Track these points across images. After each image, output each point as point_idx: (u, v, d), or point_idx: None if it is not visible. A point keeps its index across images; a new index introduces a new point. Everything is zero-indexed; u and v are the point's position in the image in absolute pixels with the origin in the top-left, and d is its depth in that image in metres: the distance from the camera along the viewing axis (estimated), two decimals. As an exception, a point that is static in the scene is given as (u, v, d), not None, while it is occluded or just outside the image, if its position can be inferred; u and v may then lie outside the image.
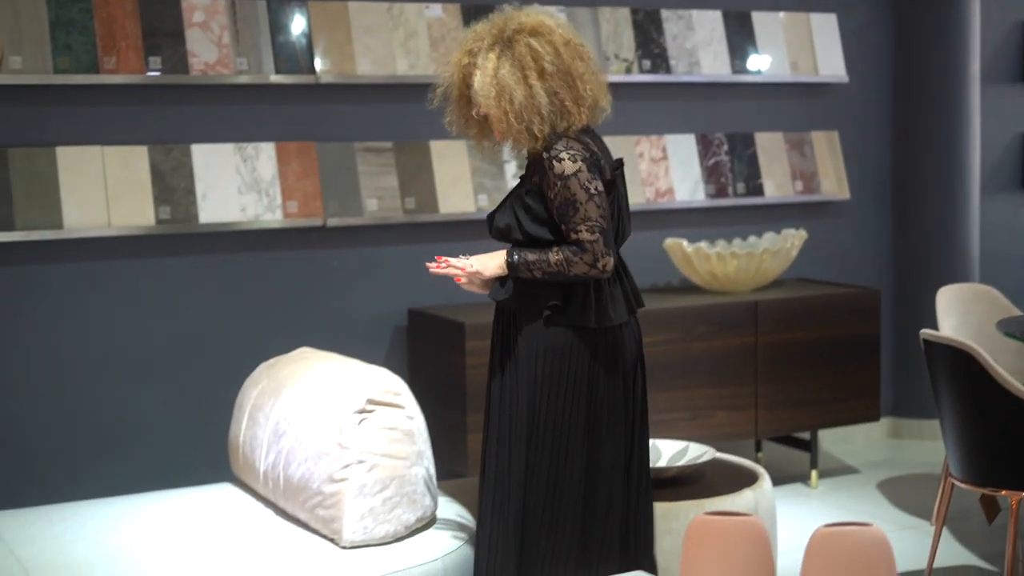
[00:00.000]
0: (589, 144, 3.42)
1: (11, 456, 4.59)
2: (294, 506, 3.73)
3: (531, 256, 3.37)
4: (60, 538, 3.63)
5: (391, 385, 3.69)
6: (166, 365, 4.82)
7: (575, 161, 3.33)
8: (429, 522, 3.74)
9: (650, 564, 3.50)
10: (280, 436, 3.80)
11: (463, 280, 3.49)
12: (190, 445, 4.83)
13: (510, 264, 3.40)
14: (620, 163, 3.56)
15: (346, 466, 3.56)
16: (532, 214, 3.41)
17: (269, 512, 3.87)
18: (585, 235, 3.32)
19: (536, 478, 3.44)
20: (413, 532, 3.67)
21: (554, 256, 3.35)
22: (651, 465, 4.15)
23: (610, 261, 3.36)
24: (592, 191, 3.34)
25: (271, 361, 4.21)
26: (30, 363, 4.62)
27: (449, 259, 3.49)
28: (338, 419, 3.61)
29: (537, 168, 3.39)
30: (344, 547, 3.55)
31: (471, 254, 3.49)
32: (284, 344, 4.53)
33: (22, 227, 4.53)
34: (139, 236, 4.75)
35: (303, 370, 3.96)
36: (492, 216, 3.53)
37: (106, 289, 4.73)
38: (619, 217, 3.51)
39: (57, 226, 4.58)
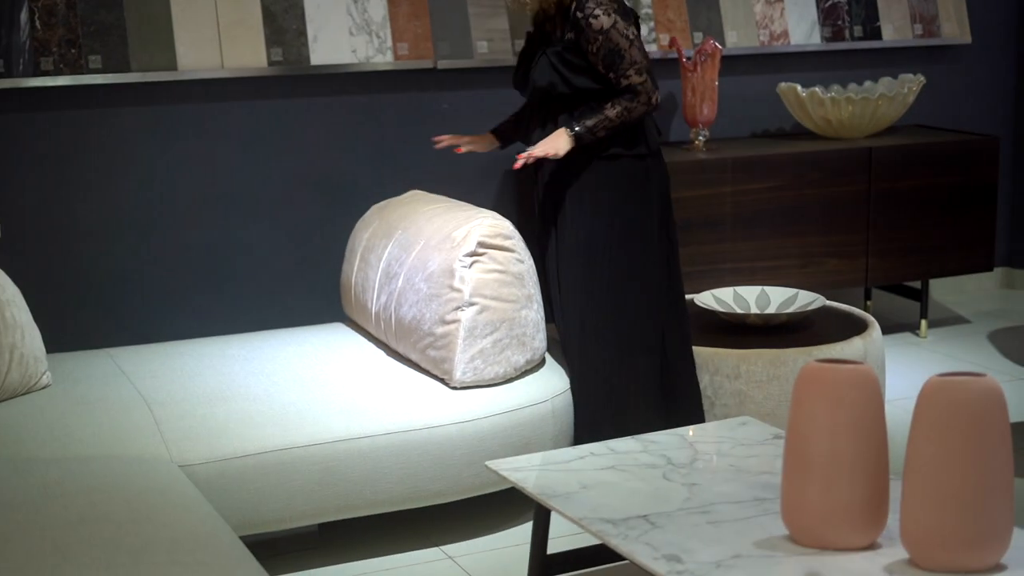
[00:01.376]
0: None
1: (131, 295, 4.70)
2: (405, 347, 3.79)
3: (590, 121, 3.64)
4: (179, 373, 3.74)
5: (501, 228, 3.71)
6: (277, 206, 4.87)
7: (609, 15, 3.59)
8: (538, 364, 3.79)
9: (699, 418, 3.78)
10: (391, 278, 3.85)
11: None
12: (302, 286, 4.91)
13: (576, 136, 3.65)
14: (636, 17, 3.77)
15: (457, 308, 3.60)
16: (575, 68, 3.65)
17: (380, 352, 3.94)
18: (635, 78, 3.63)
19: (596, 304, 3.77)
20: (522, 374, 3.72)
21: (611, 111, 3.64)
22: (761, 311, 4.17)
23: (658, 95, 3.69)
24: (630, 36, 3.63)
25: (382, 204, 4.25)
26: (145, 203, 4.70)
27: (522, 157, 3.70)
28: (449, 262, 3.65)
29: (571, 26, 3.62)
30: (455, 387, 3.61)
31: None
32: (394, 186, 4.56)
33: (137, 68, 4.58)
34: (251, 78, 4.77)
35: (414, 213, 3.99)
36: (525, 78, 3.77)
37: (219, 130, 4.77)
38: None
39: (171, 67, 4.62)
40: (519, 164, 3.71)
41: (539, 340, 3.73)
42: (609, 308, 3.75)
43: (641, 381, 3.76)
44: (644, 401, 3.76)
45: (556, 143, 3.66)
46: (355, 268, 4.11)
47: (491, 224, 3.71)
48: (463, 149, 4.03)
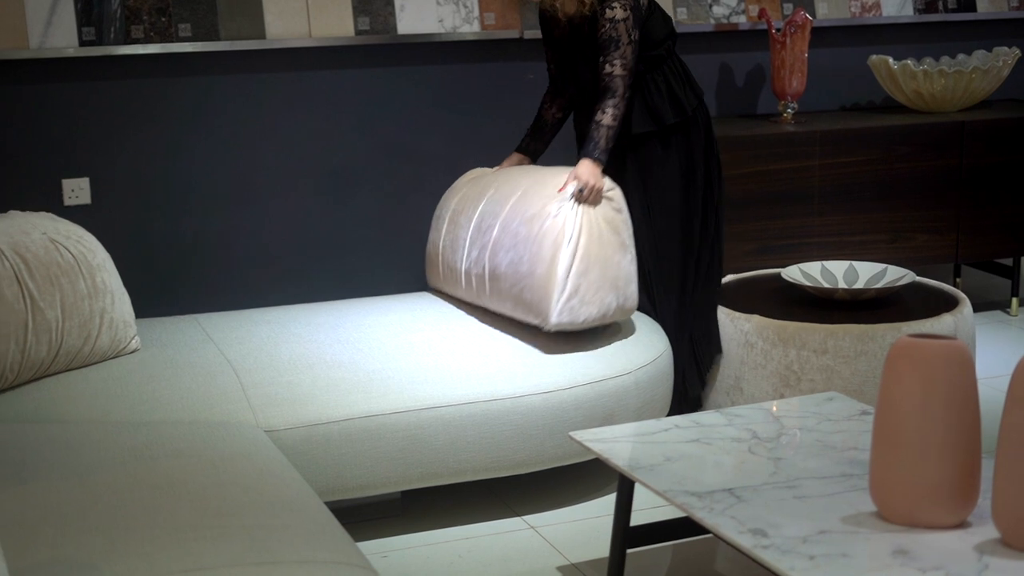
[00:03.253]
0: None
1: (219, 262, 4.74)
2: (498, 297, 3.80)
3: (601, 143, 3.81)
4: (265, 340, 3.76)
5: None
6: (363, 175, 4.89)
7: (625, 9, 3.86)
8: (628, 331, 3.78)
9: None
10: (484, 231, 3.87)
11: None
12: (387, 254, 4.92)
13: (599, 161, 3.79)
14: None
15: (556, 249, 3.60)
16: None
17: (465, 321, 3.92)
18: (618, 70, 3.85)
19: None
20: (608, 343, 3.70)
21: (608, 120, 3.83)
22: (850, 286, 4.12)
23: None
24: (633, 39, 3.87)
25: (473, 172, 4.25)
26: (233, 171, 4.74)
27: (568, 198, 3.72)
28: (546, 206, 3.65)
29: (591, 23, 3.89)
30: (549, 330, 3.62)
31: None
32: (479, 156, 4.55)
33: (226, 37, 4.61)
34: (338, 47, 4.78)
35: (507, 175, 4.00)
36: (575, 79, 4.04)
37: (306, 99, 4.79)
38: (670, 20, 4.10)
39: (259, 36, 4.65)
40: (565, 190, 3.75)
41: (632, 291, 3.73)
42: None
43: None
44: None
45: (593, 176, 3.73)
46: (443, 234, 4.12)
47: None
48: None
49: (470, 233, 3.96)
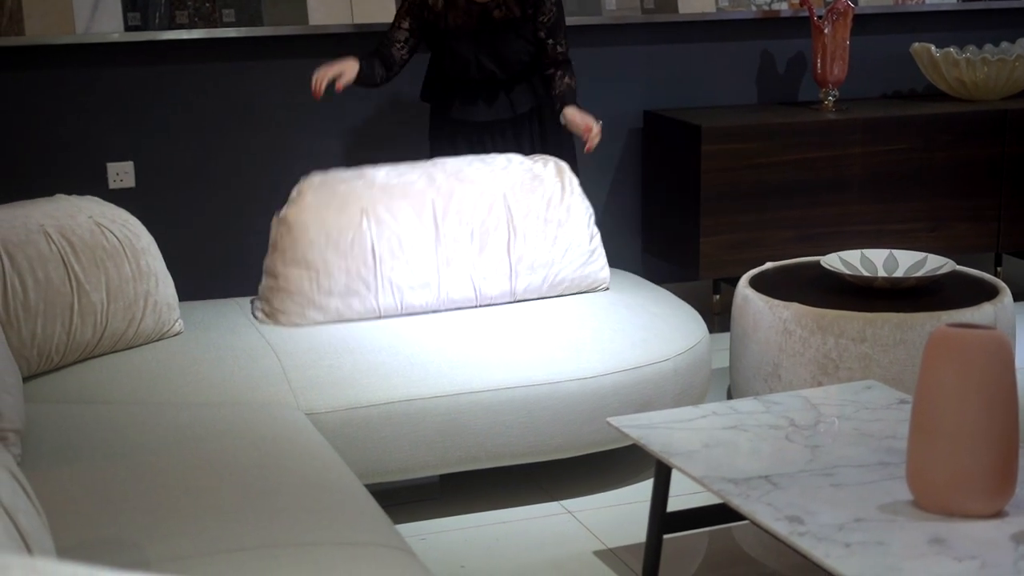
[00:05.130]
0: None
1: (261, 246, 4.76)
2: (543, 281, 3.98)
3: (575, 95, 4.27)
4: (325, 353, 3.54)
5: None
6: (407, 160, 4.90)
7: None
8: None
9: None
10: (513, 233, 3.88)
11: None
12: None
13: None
14: None
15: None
16: (534, 39, 4.26)
17: (502, 307, 3.92)
18: (566, 47, 4.30)
19: None
20: (645, 332, 3.71)
21: (572, 81, 4.27)
22: (889, 275, 4.11)
23: None
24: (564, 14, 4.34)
25: (311, 191, 3.92)
26: (275, 155, 4.76)
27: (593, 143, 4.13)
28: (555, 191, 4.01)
29: (531, 2, 4.20)
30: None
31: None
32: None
33: (269, 22, 4.64)
34: (381, 32, 4.79)
35: (421, 187, 4.03)
36: (498, 59, 4.23)
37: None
38: None
39: (302, 22, 4.68)
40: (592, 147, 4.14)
41: None
42: None
43: None
44: None
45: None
46: (373, 257, 3.81)
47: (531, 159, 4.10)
48: (342, 84, 4.17)
49: (455, 242, 3.86)
